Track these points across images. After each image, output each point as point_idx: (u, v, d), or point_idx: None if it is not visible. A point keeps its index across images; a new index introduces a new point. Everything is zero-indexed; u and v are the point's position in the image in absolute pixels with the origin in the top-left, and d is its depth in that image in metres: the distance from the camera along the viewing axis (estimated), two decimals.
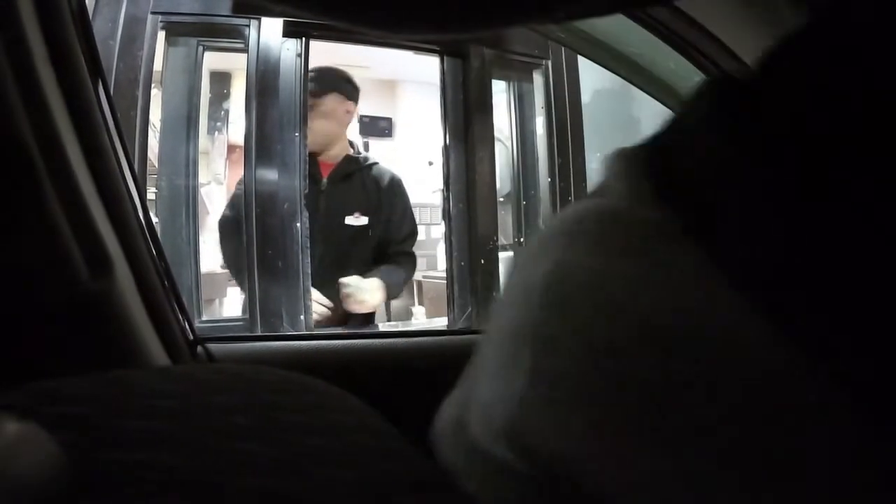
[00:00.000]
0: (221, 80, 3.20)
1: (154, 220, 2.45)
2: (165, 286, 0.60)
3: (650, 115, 3.85)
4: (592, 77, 3.52)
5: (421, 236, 4.42)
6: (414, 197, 4.60)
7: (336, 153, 2.40)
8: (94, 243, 0.46)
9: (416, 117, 4.94)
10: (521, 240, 3.34)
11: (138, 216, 0.54)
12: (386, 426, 0.30)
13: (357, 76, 2.76)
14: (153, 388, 0.28)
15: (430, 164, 4.45)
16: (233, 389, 0.30)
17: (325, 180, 2.39)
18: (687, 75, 1.00)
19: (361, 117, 5.18)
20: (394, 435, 0.29)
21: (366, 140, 5.28)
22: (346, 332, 2.11)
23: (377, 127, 5.26)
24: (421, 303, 4.07)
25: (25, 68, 0.37)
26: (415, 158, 4.83)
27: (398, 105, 5.26)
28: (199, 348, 0.70)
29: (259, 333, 2.21)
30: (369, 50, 3.57)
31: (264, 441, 0.24)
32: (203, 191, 3.19)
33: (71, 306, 0.45)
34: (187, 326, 0.66)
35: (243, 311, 2.43)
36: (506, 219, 3.47)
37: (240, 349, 0.73)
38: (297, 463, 0.22)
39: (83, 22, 0.47)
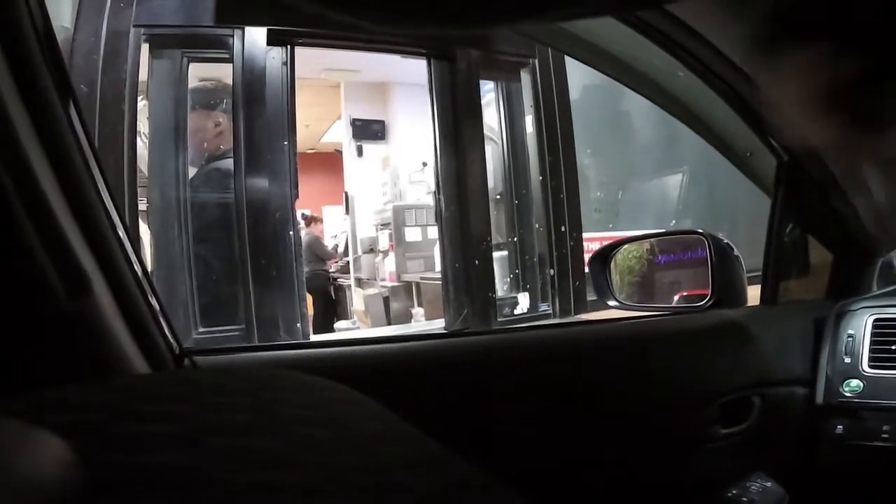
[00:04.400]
0: None
1: (146, 231, 2.44)
2: (148, 300, 0.60)
3: (639, 110, 3.86)
4: (580, 73, 3.53)
5: (418, 238, 4.43)
6: (409, 198, 4.59)
7: None
8: (68, 262, 0.46)
9: (409, 119, 4.93)
10: (515, 238, 3.34)
11: (115, 230, 0.54)
12: (388, 412, 0.30)
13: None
14: (157, 392, 0.28)
15: (424, 164, 4.44)
16: (235, 390, 0.30)
17: None
18: (671, 71, 1.01)
19: (354, 120, 5.16)
20: (396, 420, 0.29)
21: (359, 143, 5.26)
22: (337, 339, 2.11)
23: (370, 130, 5.24)
24: (420, 304, 4.07)
25: None
26: (408, 160, 4.83)
27: (390, 107, 5.24)
28: (186, 361, 0.69)
29: (248, 344, 2.20)
30: (357, 54, 3.57)
31: (269, 436, 0.24)
32: None
33: (48, 327, 0.45)
34: (173, 339, 0.66)
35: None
36: (499, 218, 3.47)
37: (228, 360, 0.73)
38: (303, 455, 0.22)
39: (49, 40, 0.47)
